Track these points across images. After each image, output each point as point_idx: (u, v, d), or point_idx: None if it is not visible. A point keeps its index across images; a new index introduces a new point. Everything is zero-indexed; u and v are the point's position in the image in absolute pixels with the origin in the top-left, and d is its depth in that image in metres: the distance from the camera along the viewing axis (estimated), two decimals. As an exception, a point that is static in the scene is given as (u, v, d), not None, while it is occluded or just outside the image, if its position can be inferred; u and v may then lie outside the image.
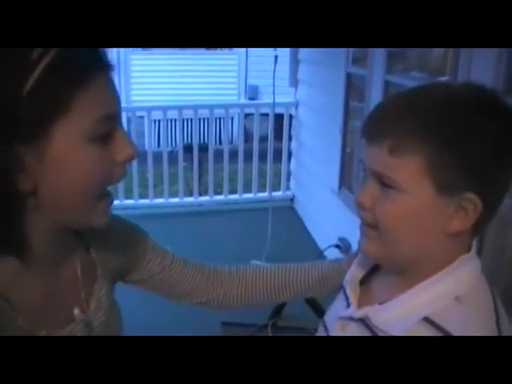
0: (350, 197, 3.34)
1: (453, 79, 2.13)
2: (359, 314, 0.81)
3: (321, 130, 4.30)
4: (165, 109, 4.96)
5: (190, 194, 5.12)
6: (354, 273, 0.89)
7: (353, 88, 3.61)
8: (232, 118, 6.97)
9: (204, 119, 5.75)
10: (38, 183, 0.69)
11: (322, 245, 3.86)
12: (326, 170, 4.01)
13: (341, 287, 0.92)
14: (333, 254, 3.25)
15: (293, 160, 5.21)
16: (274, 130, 4.77)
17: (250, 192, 5.12)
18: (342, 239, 3.48)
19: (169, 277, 1.02)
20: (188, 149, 5.02)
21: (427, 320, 0.72)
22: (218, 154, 4.94)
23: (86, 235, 0.88)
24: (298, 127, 5.03)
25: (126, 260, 0.97)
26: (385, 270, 0.84)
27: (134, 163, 4.71)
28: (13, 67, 0.65)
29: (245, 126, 5.30)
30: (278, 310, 1.87)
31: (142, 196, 4.98)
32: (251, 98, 8.64)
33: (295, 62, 4.88)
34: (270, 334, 1.61)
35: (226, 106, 5.20)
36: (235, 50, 8.74)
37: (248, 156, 5.00)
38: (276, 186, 5.19)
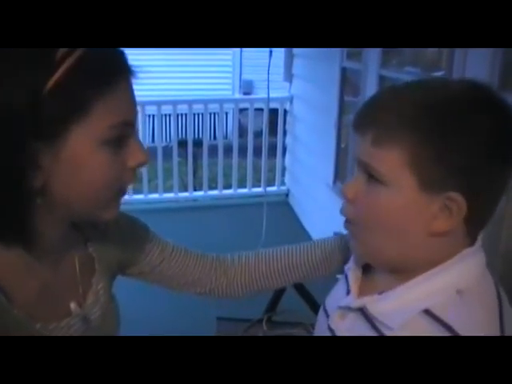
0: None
1: (448, 74, 2.13)
2: (357, 303, 0.80)
3: (315, 125, 4.30)
4: (159, 104, 4.95)
5: (185, 189, 5.11)
6: (358, 259, 0.87)
7: (348, 83, 3.61)
8: (226, 113, 6.97)
9: (198, 114, 5.73)
10: (50, 180, 0.70)
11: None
12: (321, 165, 4.02)
13: (344, 270, 0.91)
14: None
15: (287, 155, 5.21)
16: (269, 125, 4.76)
17: (245, 187, 5.12)
18: (337, 234, 3.48)
19: (169, 268, 1.02)
20: (182, 144, 5.01)
21: (427, 312, 0.71)
22: (213, 149, 4.94)
23: (84, 230, 0.88)
24: (292, 122, 5.03)
25: (125, 253, 0.97)
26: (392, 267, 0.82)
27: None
28: (36, 66, 0.66)
29: (239, 120, 5.30)
30: (273, 304, 1.87)
31: (136, 191, 4.96)
32: (246, 93, 8.62)
33: (290, 57, 4.88)
34: (265, 329, 1.61)
35: (221, 101, 5.20)
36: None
37: (243, 151, 4.99)
38: (271, 181, 5.19)
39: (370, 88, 2.98)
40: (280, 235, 4.12)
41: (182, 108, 5.04)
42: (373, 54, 2.97)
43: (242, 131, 5.60)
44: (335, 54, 3.59)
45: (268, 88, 4.35)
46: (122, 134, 0.73)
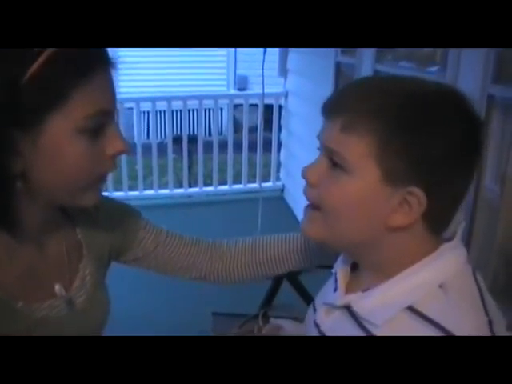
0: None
1: (442, 68, 2.14)
2: (342, 301, 0.81)
3: (310, 120, 4.29)
4: (154, 100, 4.93)
5: (180, 186, 5.11)
6: (346, 257, 0.88)
7: (342, 77, 3.60)
8: (221, 109, 6.95)
9: (193, 110, 5.72)
10: (30, 166, 0.72)
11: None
12: (316, 161, 4.01)
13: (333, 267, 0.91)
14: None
15: (283, 150, 5.21)
16: (264, 121, 4.75)
17: (240, 183, 5.12)
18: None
19: (164, 253, 1.03)
20: (177, 140, 5.00)
21: (411, 309, 0.72)
22: (208, 145, 4.93)
23: (73, 216, 0.90)
24: (287, 117, 5.03)
25: (117, 240, 0.98)
26: (362, 263, 0.83)
27: (124, 155, 4.68)
28: (16, 56, 0.67)
29: (234, 116, 5.28)
30: (269, 299, 1.88)
31: (131, 188, 4.96)
32: (240, 89, 8.61)
33: (284, 52, 4.87)
34: (261, 324, 1.61)
35: (216, 97, 5.19)
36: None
37: (238, 147, 4.98)
38: (266, 177, 5.19)
39: (365, 83, 2.97)
40: (275, 230, 4.08)
41: (177, 104, 5.03)
42: (367, 49, 2.97)
43: (237, 127, 5.60)
44: (330, 49, 3.59)
45: (263, 83, 4.34)
46: (100, 123, 0.75)
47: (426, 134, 0.69)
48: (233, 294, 3.06)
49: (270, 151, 5.13)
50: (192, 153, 5.21)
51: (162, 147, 4.94)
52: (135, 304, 3.11)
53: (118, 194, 4.73)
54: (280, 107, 5.11)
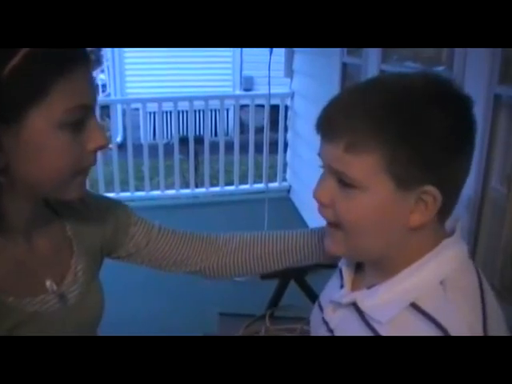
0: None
1: (448, 69, 2.13)
2: (347, 299, 0.82)
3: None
4: (160, 101, 4.94)
5: (186, 186, 5.11)
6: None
7: (348, 78, 3.60)
8: (227, 110, 6.95)
9: (199, 111, 5.73)
10: (12, 161, 0.73)
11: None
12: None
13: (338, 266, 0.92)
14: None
15: (289, 151, 5.20)
16: (270, 121, 4.75)
17: (246, 183, 5.12)
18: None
19: (157, 248, 1.04)
20: (184, 141, 5.00)
21: (414, 306, 0.73)
22: (214, 146, 4.93)
23: (62, 213, 0.92)
24: (293, 118, 5.02)
25: (108, 236, 0.99)
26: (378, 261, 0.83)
27: (130, 156, 4.71)
28: None
29: (240, 117, 5.28)
30: (276, 300, 1.88)
31: (137, 188, 4.97)
32: (246, 89, 8.61)
33: (290, 53, 4.87)
34: (268, 324, 1.61)
35: (222, 98, 5.19)
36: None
37: (244, 147, 4.98)
38: (272, 178, 5.19)
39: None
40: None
41: (183, 105, 5.04)
42: (373, 50, 2.96)
43: (243, 127, 5.60)
44: (336, 49, 3.58)
45: (269, 84, 4.35)
46: (81, 118, 0.76)
47: (429, 138, 0.70)
48: (240, 295, 3.07)
49: (277, 152, 5.13)
50: (198, 153, 5.21)
51: (168, 148, 4.95)
52: (140, 304, 3.12)
53: (124, 195, 4.75)
54: (286, 108, 5.10)
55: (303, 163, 4.72)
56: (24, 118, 0.71)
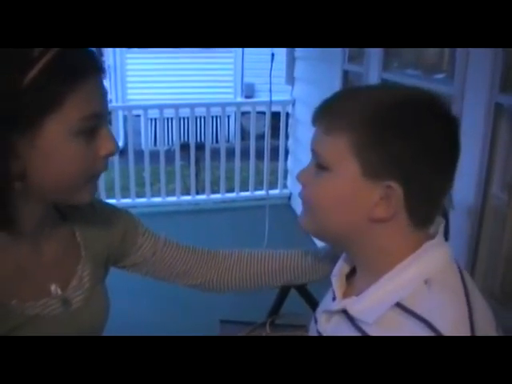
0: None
1: (449, 76, 2.14)
2: (338, 306, 0.85)
3: (317, 128, 4.29)
4: (161, 107, 4.94)
5: (187, 193, 5.11)
6: (341, 267, 0.93)
7: (349, 85, 3.61)
8: (228, 117, 6.96)
9: (200, 117, 5.74)
10: (28, 167, 0.77)
11: (319, 242, 3.85)
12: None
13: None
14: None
15: (290, 158, 5.21)
16: (271, 128, 4.76)
17: (247, 190, 5.12)
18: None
19: (162, 260, 1.07)
20: (185, 147, 5.01)
21: (398, 305, 0.76)
22: (215, 153, 4.94)
23: (72, 219, 0.94)
24: (294, 125, 5.03)
25: (116, 244, 1.02)
26: (357, 261, 0.88)
27: (131, 162, 4.71)
28: (14, 63, 0.72)
29: (241, 124, 5.29)
30: (277, 307, 1.87)
31: (138, 195, 4.96)
32: (247, 97, 8.63)
33: (292, 60, 4.88)
34: (269, 332, 1.61)
35: (223, 105, 5.20)
36: (231, 48, 8.73)
37: (245, 154, 4.99)
38: (273, 184, 5.18)
39: (372, 91, 2.97)
40: (282, 238, 4.11)
41: (184, 111, 5.05)
42: (374, 57, 2.97)
43: (244, 134, 5.60)
44: (337, 56, 3.60)
45: (270, 91, 4.36)
46: (93, 126, 0.79)
47: (400, 133, 0.74)
48: (241, 302, 3.07)
49: (277, 159, 5.12)
50: (199, 160, 5.22)
51: (169, 154, 4.95)
52: (141, 311, 3.11)
53: (125, 201, 4.75)
54: (287, 115, 5.11)
55: (304, 170, 4.72)
56: (40, 126, 0.74)
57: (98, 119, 0.80)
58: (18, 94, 0.72)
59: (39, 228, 0.87)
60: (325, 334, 0.88)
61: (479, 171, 1.81)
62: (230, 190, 5.15)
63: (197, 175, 5.16)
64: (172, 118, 5.14)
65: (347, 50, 3.55)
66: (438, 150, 0.76)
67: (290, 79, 4.99)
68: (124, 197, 4.85)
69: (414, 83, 1.84)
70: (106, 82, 0.82)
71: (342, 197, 0.78)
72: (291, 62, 4.90)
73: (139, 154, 4.89)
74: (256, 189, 5.12)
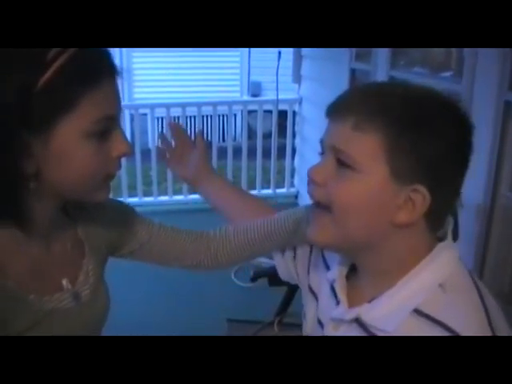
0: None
1: (457, 74, 2.13)
2: (350, 315, 0.82)
3: (325, 126, 4.28)
4: (168, 106, 4.95)
5: (194, 192, 5.08)
6: (339, 270, 0.89)
7: (357, 84, 3.60)
8: (235, 115, 6.95)
9: (207, 116, 5.74)
10: (42, 168, 0.78)
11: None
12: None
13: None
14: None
15: (297, 156, 5.20)
16: (278, 127, 4.76)
17: (254, 189, 5.11)
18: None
19: (158, 244, 1.09)
20: (192, 146, 5.00)
21: (417, 311, 0.74)
22: (222, 151, 4.94)
23: (74, 217, 0.96)
24: (301, 123, 5.02)
25: (115, 236, 1.04)
26: (367, 267, 0.84)
27: (138, 161, 4.72)
28: (30, 65, 0.73)
29: (248, 122, 5.29)
30: (284, 306, 1.87)
31: (145, 194, 4.97)
32: (254, 95, 8.61)
33: (298, 58, 4.87)
34: (276, 331, 1.61)
35: (229, 103, 5.21)
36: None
37: (252, 153, 4.98)
38: (280, 183, 5.18)
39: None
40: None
41: (191, 110, 5.05)
42: (382, 55, 2.96)
43: (251, 133, 5.60)
44: (344, 55, 3.59)
45: (277, 90, 4.35)
46: (106, 127, 0.80)
47: (430, 133, 0.72)
48: (248, 301, 3.06)
49: (284, 157, 5.12)
50: (206, 159, 5.21)
51: (176, 153, 4.94)
52: (147, 310, 3.12)
53: (132, 200, 4.75)
54: (294, 113, 5.10)
55: (311, 169, 4.71)
56: (54, 127, 0.75)
57: (111, 121, 0.80)
58: (33, 95, 0.72)
59: (49, 226, 0.88)
60: None
61: (488, 170, 1.80)
62: (237, 188, 5.14)
63: (204, 174, 5.15)
64: (179, 117, 5.13)
65: (354, 48, 3.55)
66: (459, 151, 0.75)
67: (297, 77, 4.98)
68: (131, 196, 4.86)
69: (422, 81, 1.83)
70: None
71: (369, 199, 0.74)
72: (298, 61, 4.89)
73: (146, 153, 4.90)
74: (263, 187, 5.12)
